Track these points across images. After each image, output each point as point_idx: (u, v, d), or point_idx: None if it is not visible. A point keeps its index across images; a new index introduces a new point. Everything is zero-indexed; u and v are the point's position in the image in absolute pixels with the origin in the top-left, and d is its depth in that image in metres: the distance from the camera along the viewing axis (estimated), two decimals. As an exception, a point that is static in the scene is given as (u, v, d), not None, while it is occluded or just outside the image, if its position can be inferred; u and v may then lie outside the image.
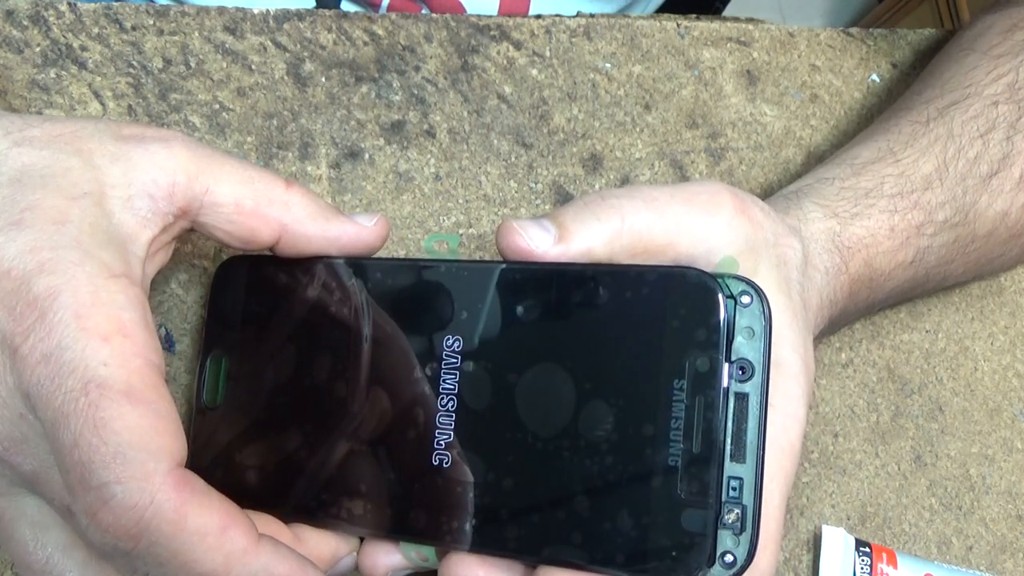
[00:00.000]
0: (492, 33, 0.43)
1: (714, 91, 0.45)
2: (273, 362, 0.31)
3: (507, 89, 0.42)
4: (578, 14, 0.45)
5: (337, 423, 0.29)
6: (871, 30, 0.49)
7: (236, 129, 0.38)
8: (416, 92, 0.41)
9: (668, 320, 0.26)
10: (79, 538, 0.26)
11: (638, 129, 0.44)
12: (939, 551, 0.41)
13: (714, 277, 0.26)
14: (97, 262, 0.25)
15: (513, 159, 0.41)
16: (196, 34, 0.39)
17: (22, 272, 0.24)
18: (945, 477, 0.42)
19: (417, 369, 0.28)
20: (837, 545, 0.38)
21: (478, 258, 0.40)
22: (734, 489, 0.25)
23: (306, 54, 0.40)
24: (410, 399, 0.28)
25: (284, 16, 0.40)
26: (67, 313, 0.24)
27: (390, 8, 0.50)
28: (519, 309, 0.28)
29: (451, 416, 0.28)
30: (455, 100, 0.41)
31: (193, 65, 0.39)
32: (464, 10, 0.50)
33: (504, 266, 0.28)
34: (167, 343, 0.36)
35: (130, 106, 0.38)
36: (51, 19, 0.38)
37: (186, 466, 0.25)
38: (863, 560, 0.38)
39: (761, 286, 0.27)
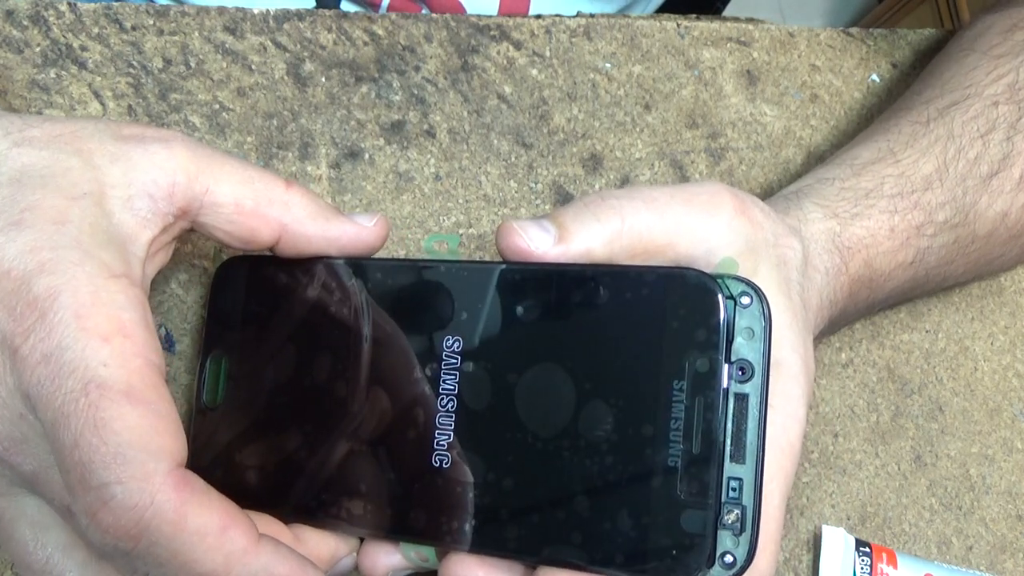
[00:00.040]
0: (492, 33, 0.43)
1: (714, 91, 0.45)
2: (273, 362, 0.31)
3: (507, 89, 0.42)
4: (578, 14, 0.45)
5: (337, 423, 0.29)
6: (871, 30, 0.49)
7: (236, 129, 0.38)
8: (416, 92, 0.41)
9: (668, 321, 0.26)
10: (79, 538, 0.26)
11: (638, 129, 0.44)
12: (939, 551, 0.41)
13: (714, 278, 0.26)
14: (97, 262, 0.25)
15: (513, 159, 0.41)
16: (196, 34, 0.39)
17: (22, 272, 0.24)
18: (945, 477, 0.42)
19: (417, 369, 0.28)
20: (837, 545, 0.38)
21: (478, 258, 0.40)
22: (734, 490, 0.25)
23: (306, 54, 0.40)
24: (410, 399, 0.28)
25: (284, 16, 0.40)
26: (67, 313, 0.24)
27: (390, 8, 0.50)
28: (519, 309, 0.28)
29: (451, 416, 0.28)
30: (455, 100, 0.41)
31: (193, 65, 0.39)
32: (464, 10, 0.50)
33: (504, 266, 0.28)
34: (167, 343, 0.36)
35: (130, 106, 0.38)
36: (51, 19, 0.38)
37: (186, 466, 0.25)
38: (863, 560, 0.38)
39: (761, 287, 0.27)
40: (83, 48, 0.38)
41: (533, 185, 0.41)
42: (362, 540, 0.30)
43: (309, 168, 0.39)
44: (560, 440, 0.27)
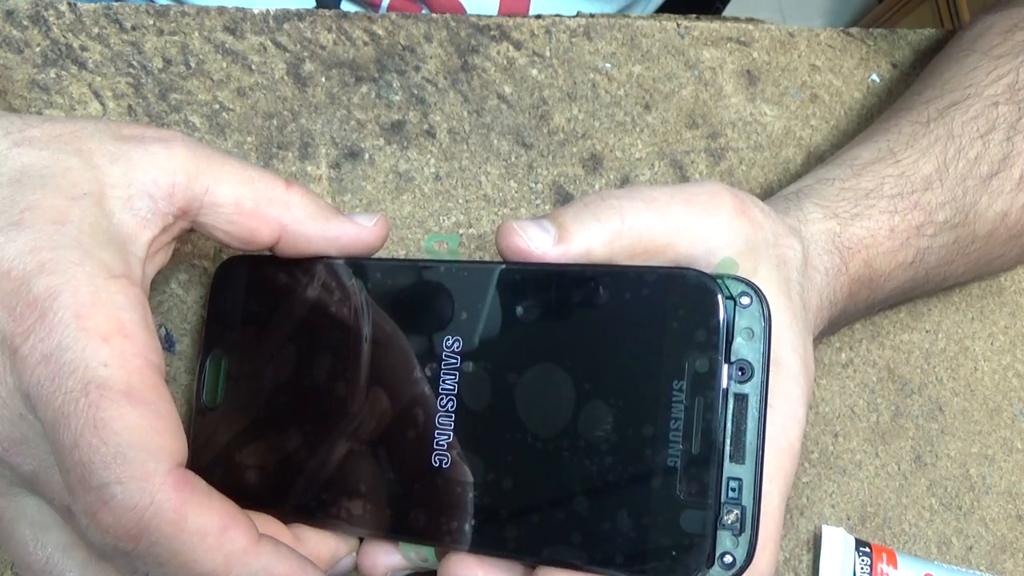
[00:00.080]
0: (492, 33, 0.43)
1: (714, 91, 0.45)
2: (273, 362, 0.31)
3: (507, 89, 0.42)
4: (578, 14, 0.45)
5: (337, 423, 0.29)
6: (871, 30, 0.49)
7: (236, 129, 0.38)
8: (416, 92, 0.41)
9: (668, 321, 0.26)
10: (79, 538, 0.26)
11: (638, 129, 0.44)
12: (939, 551, 0.41)
13: (714, 278, 0.26)
14: (97, 262, 0.25)
15: (513, 159, 0.41)
16: (196, 34, 0.39)
17: (22, 272, 0.24)
18: (945, 477, 0.42)
19: (417, 369, 0.28)
20: (837, 545, 0.38)
21: (478, 258, 0.40)
22: (733, 490, 0.25)
23: (306, 54, 0.40)
24: (410, 399, 0.28)
25: (284, 16, 0.40)
26: (67, 313, 0.24)
27: (390, 8, 0.50)
28: (519, 310, 0.28)
29: (451, 416, 0.28)
30: (455, 100, 0.41)
31: (193, 65, 0.39)
32: (464, 10, 0.50)
33: (504, 266, 0.28)
34: (167, 343, 0.36)
35: (130, 106, 0.38)
36: (51, 19, 0.38)
37: (186, 466, 0.25)
38: (863, 560, 0.38)
39: (761, 287, 0.27)
40: (83, 48, 0.38)
41: (533, 185, 0.41)
42: (362, 540, 0.30)
43: (309, 168, 0.39)
44: (560, 440, 0.27)
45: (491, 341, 0.28)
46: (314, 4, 0.49)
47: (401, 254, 0.39)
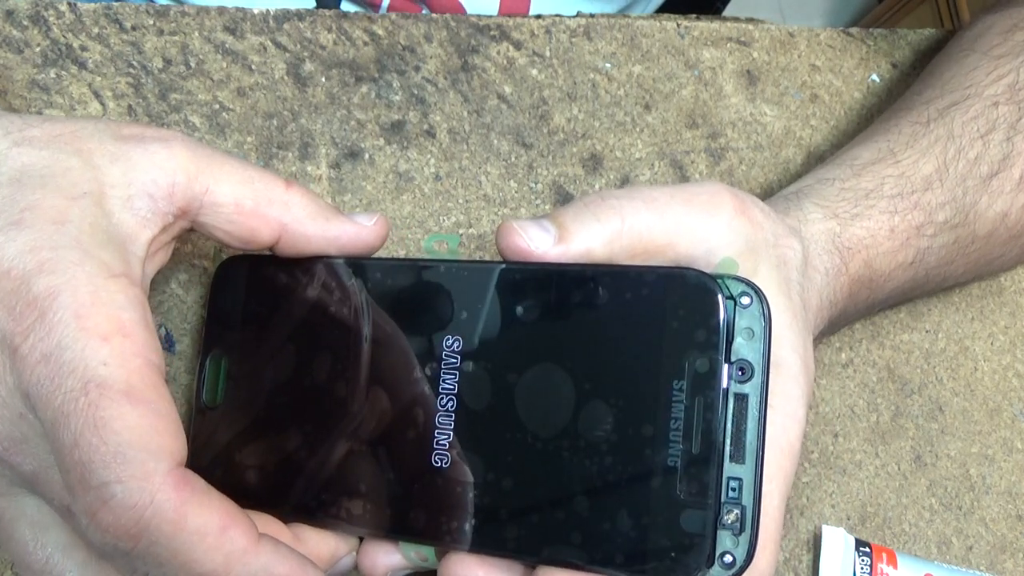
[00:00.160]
0: (492, 33, 0.43)
1: (714, 91, 0.45)
2: (273, 362, 0.31)
3: (507, 89, 0.42)
4: (578, 14, 0.45)
5: (337, 423, 0.29)
6: (871, 30, 0.49)
7: (236, 129, 0.38)
8: (416, 92, 0.41)
9: (668, 321, 0.26)
10: (79, 538, 0.26)
11: (638, 129, 0.44)
12: (939, 551, 0.41)
13: (714, 278, 0.26)
14: (97, 262, 0.25)
15: (513, 159, 0.41)
16: (196, 34, 0.39)
17: (22, 272, 0.24)
18: (945, 477, 0.42)
19: (417, 369, 0.28)
20: (837, 545, 0.38)
21: (478, 258, 0.40)
22: (733, 490, 0.25)
23: (306, 54, 0.40)
24: (410, 399, 0.28)
25: (284, 16, 0.40)
26: (67, 313, 0.24)
27: (390, 8, 0.50)
28: (519, 309, 0.28)
29: (451, 416, 0.28)
30: (455, 100, 0.41)
31: (193, 65, 0.39)
32: (464, 10, 0.50)
33: (504, 266, 0.28)
34: (167, 343, 0.36)
35: (130, 106, 0.38)
36: (51, 19, 0.38)
37: (186, 466, 0.25)
38: (863, 560, 0.38)
39: (761, 287, 0.27)
40: (83, 48, 0.38)
41: (533, 185, 0.41)
42: (362, 539, 0.30)
43: (309, 168, 0.39)
44: (560, 440, 0.27)
45: (491, 341, 0.28)
46: (314, 4, 0.49)
47: (401, 254, 0.39)
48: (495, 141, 0.41)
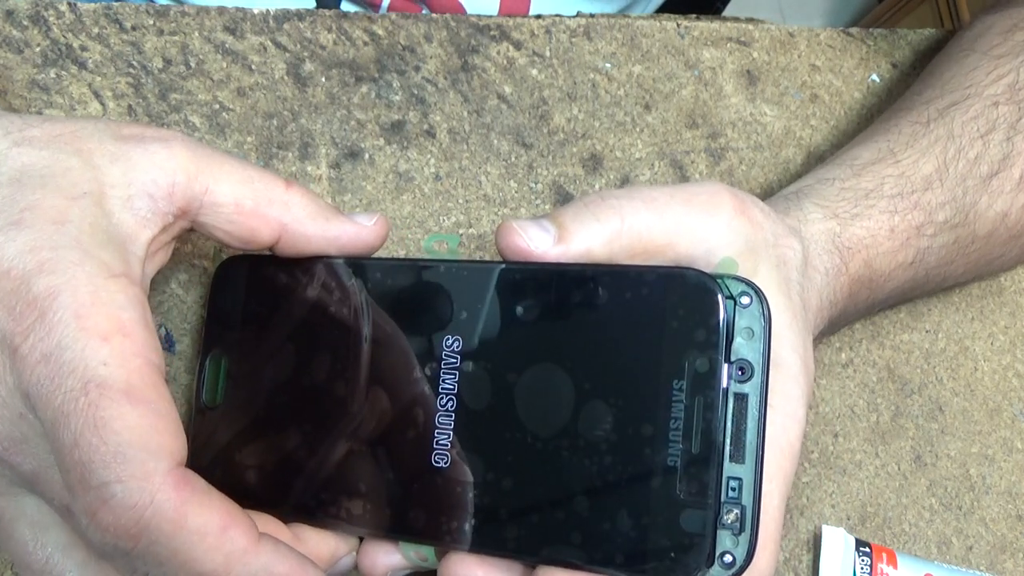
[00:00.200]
0: (492, 33, 0.43)
1: (714, 91, 0.45)
2: (273, 362, 0.31)
3: (507, 89, 0.42)
4: (578, 14, 0.45)
5: (337, 423, 0.29)
6: (871, 30, 0.49)
7: (236, 129, 0.39)
8: (416, 92, 0.41)
9: (667, 321, 0.26)
10: (79, 538, 0.26)
11: (638, 129, 0.44)
12: (939, 551, 0.41)
13: (713, 278, 0.26)
14: (97, 262, 0.25)
15: (513, 159, 0.41)
16: (196, 34, 0.39)
17: (22, 272, 0.24)
18: (945, 477, 0.42)
19: (417, 369, 0.28)
20: (837, 545, 0.38)
21: (478, 258, 0.40)
22: (733, 489, 0.25)
23: (306, 54, 0.40)
24: (410, 399, 0.28)
25: (284, 16, 0.40)
26: (67, 313, 0.24)
27: (390, 8, 0.50)
28: (519, 309, 0.28)
29: (450, 416, 0.28)
30: (455, 100, 0.41)
31: (193, 65, 0.39)
32: (464, 10, 0.50)
33: (504, 266, 0.28)
34: (167, 343, 0.36)
35: (130, 106, 0.38)
36: (51, 19, 0.38)
37: (186, 466, 0.25)
38: (863, 560, 0.38)
39: (761, 287, 0.27)
40: (83, 48, 0.38)
41: (533, 185, 0.41)
42: (362, 539, 0.30)
43: (309, 168, 0.39)
44: (560, 440, 0.27)
45: (491, 341, 0.28)
46: (314, 4, 0.49)
47: (401, 254, 0.39)
48: (495, 141, 0.41)
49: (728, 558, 0.25)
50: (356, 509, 0.29)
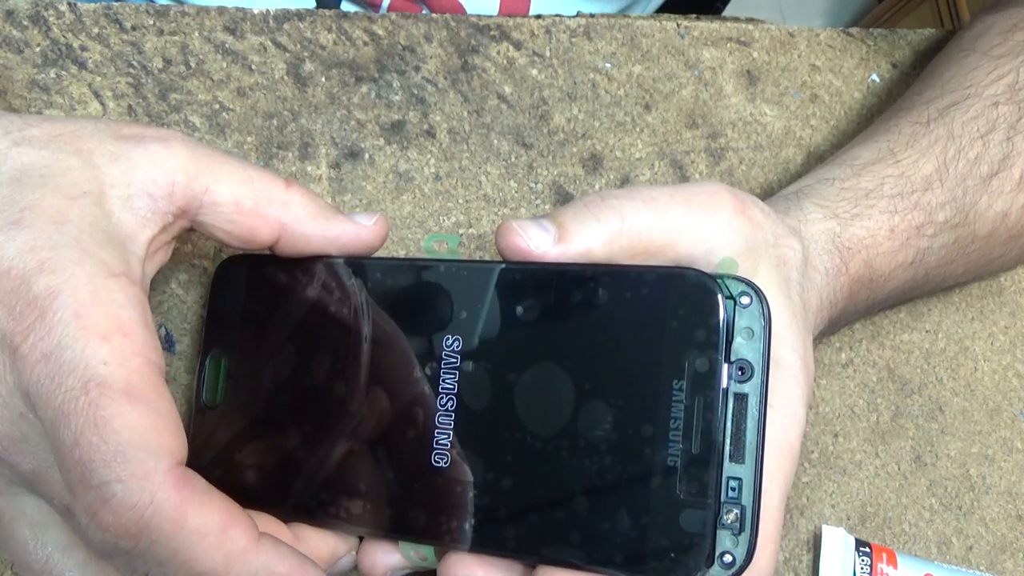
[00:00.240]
0: (492, 33, 0.43)
1: (714, 91, 0.45)
2: (273, 361, 0.31)
3: (507, 89, 0.42)
4: (578, 14, 0.45)
5: (336, 423, 0.29)
6: (871, 30, 0.49)
7: (236, 129, 0.39)
8: (416, 92, 0.41)
9: (667, 321, 0.26)
10: (79, 538, 0.26)
11: (638, 129, 0.44)
12: (939, 551, 0.41)
13: (713, 278, 0.26)
14: (96, 261, 0.25)
15: (513, 159, 0.41)
16: (196, 34, 0.39)
17: (22, 271, 0.24)
18: (945, 477, 0.42)
19: (417, 369, 0.28)
20: (837, 545, 0.38)
21: (478, 258, 0.40)
22: (733, 489, 0.25)
23: (306, 54, 0.40)
24: (409, 399, 0.28)
25: (284, 16, 0.40)
26: (67, 312, 0.24)
27: (390, 8, 0.50)
28: (518, 309, 0.28)
29: (450, 416, 0.28)
30: (455, 100, 0.41)
31: (193, 65, 0.39)
32: (464, 10, 0.51)
33: (504, 266, 0.28)
34: (167, 343, 0.36)
35: (130, 106, 0.38)
36: (51, 19, 0.38)
37: (186, 465, 0.25)
38: (863, 560, 0.38)
39: (760, 287, 0.27)
40: (83, 48, 0.38)
41: (533, 185, 0.41)
42: (361, 539, 0.30)
43: (309, 168, 0.39)
44: (559, 440, 0.27)
45: (491, 340, 0.28)
46: (314, 4, 0.49)
47: (401, 254, 0.39)
48: (495, 141, 0.41)
49: (728, 558, 0.25)
50: (356, 509, 0.29)
